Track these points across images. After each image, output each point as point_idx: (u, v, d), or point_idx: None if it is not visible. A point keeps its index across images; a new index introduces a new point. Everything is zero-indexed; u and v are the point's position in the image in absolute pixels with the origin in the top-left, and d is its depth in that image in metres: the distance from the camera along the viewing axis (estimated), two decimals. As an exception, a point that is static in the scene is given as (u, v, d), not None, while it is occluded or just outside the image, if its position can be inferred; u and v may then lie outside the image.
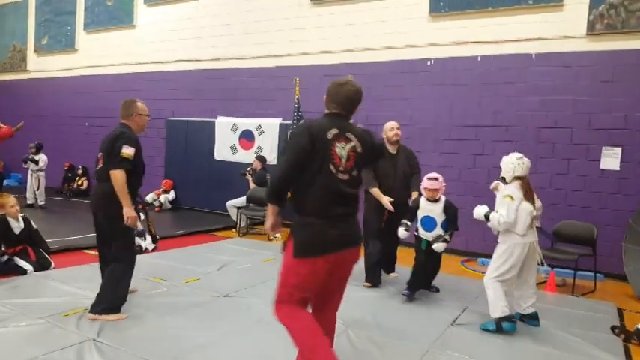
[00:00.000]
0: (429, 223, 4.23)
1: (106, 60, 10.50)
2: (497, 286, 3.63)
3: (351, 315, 3.70)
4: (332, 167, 2.29)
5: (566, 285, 5.17)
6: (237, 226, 7.31)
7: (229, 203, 7.73)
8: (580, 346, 3.44)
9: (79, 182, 10.51)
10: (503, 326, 3.59)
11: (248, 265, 5.20)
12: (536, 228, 3.78)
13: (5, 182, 11.34)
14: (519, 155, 3.75)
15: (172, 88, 9.51)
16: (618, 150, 5.77)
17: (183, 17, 9.42)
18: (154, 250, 5.72)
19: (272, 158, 8.03)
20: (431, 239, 4.20)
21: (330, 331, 2.49)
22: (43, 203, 8.45)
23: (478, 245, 6.24)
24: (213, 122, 8.85)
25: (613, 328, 3.79)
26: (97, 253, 3.75)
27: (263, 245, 6.30)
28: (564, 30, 6.08)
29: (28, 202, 8.40)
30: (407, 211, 4.44)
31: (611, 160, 5.80)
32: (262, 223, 6.56)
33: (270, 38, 8.31)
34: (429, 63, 6.95)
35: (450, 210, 4.19)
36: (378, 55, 7.33)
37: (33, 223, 4.74)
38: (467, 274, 5.48)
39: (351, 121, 2.48)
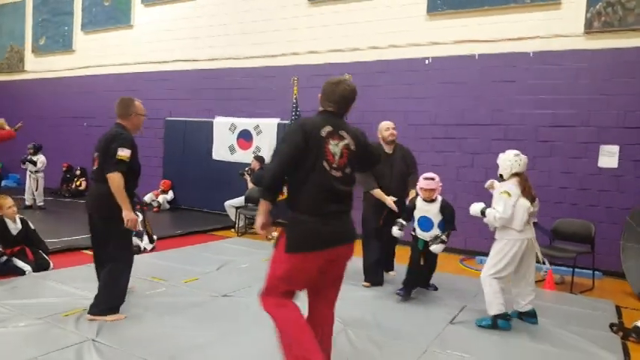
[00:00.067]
0: (425, 223, 4.19)
1: (103, 60, 10.48)
2: (494, 284, 3.64)
3: (350, 314, 3.71)
4: (325, 164, 2.31)
5: (565, 283, 5.18)
6: (236, 225, 7.31)
7: (228, 203, 7.73)
8: (578, 343, 3.45)
9: (78, 183, 10.49)
10: (499, 323, 3.61)
11: (247, 265, 5.20)
12: (533, 224, 3.77)
13: (3, 183, 11.36)
14: (516, 152, 3.76)
15: (170, 88, 9.50)
16: (616, 148, 5.78)
17: (180, 17, 9.41)
18: (152, 250, 5.72)
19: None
20: (428, 239, 4.17)
21: (327, 327, 2.50)
22: (41, 204, 8.45)
23: (476, 244, 6.25)
24: (211, 122, 8.84)
25: (611, 325, 3.80)
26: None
27: (262, 245, 6.30)
28: (562, 28, 6.08)
29: (27, 203, 8.39)
30: (404, 210, 4.41)
31: (609, 158, 5.81)
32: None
33: (268, 38, 8.30)
34: (427, 62, 6.95)
35: (446, 210, 4.14)
36: (376, 54, 7.33)
37: (30, 224, 4.74)
38: (465, 273, 5.48)
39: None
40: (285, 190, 2.41)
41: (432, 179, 4.14)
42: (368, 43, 7.40)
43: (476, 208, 3.82)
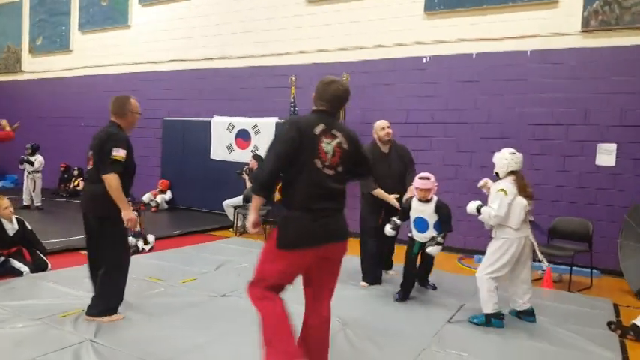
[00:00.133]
0: (421, 224, 4.12)
1: (101, 60, 10.46)
2: (490, 283, 3.64)
3: (349, 313, 3.71)
4: (318, 162, 2.33)
5: (563, 281, 5.19)
6: (234, 225, 7.31)
7: (226, 203, 7.73)
8: (576, 341, 3.46)
9: (75, 183, 10.47)
10: (492, 322, 3.63)
11: (245, 265, 5.19)
12: (530, 222, 3.77)
13: (1, 184, 11.34)
14: (512, 150, 3.75)
15: (168, 87, 9.49)
16: (613, 146, 5.79)
17: (177, 17, 9.39)
18: (150, 250, 5.71)
19: (268, 157, 8.02)
20: (424, 241, 4.11)
21: (322, 324, 2.50)
22: (39, 204, 8.43)
23: (475, 242, 6.26)
24: (209, 122, 8.84)
25: (609, 323, 3.80)
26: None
27: (260, 245, 6.26)
28: (559, 27, 6.09)
29: (24, 204, 8.37)
30: (401, 210, 4.36)
31: (606, 156, 5.82)
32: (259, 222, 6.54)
33: (266, 37, 8.30)
34: (424, 61, 6.95)
35: (441, 210, 4.06)
36: (374, 53, 7.34)
37: (28, 225, 4.73)
38: (464, 272, 5.49)
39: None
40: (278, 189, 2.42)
41: (428, 179, 4.07)
42: (366, 42, 7.39)
43: (472, 206, 3.82)
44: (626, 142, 5.74)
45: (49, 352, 2.86)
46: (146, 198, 9.00)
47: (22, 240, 4.61)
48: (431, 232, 4.09)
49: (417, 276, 4.36)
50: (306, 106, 7.13)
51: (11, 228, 4.56)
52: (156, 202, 8.96)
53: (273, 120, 8.16)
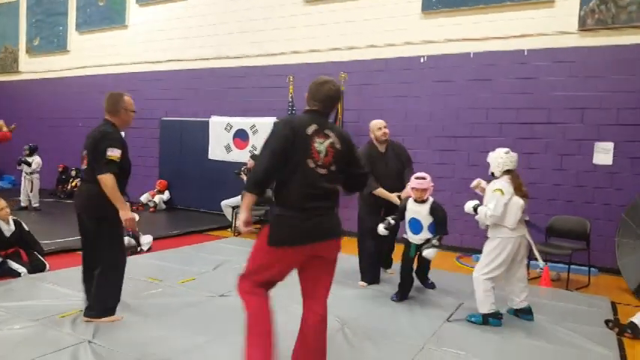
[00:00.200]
0: (415, 225, 4.06)
1: (98, 60, 10.44)
2: (486, 284, 3.65)
3: (348, 313, 3.72)
4: (311, 162, 2.36)
5: (561, 280, 5.20)
6: (233, 225, 7.30)
7: (224, 203, 7.72)
8: (574, 340, 3.47)
9: (73, 184, 10.43)
10: (490, 321, 3.64)
11: (244, 265, 5.19)
12: (525, 222, 3.76)
13: (-2, 184, 11.32)
14: (506, 149, 3.76)
15: (165, 87, 9.48)
16: (610, 145, 5.81)
17: (175, 17, 9.38)
18: (148, 250, 5.70)
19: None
20: (418, 242, 4.06)
21: (318, 324, 2.51)
22: (37, 205, 8.41)
23: (473, 241, 6.27)
24: (207, 122, 8.83)
25: (607, 321, 3.82)
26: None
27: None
28: (556, 26, 6.10)
29: (22, 205, 8.35)
30: (397, 210, 4.31)
31: (603, 155, 5.84)
32: (258, 222, 6.55)
33: (264, 37, 8.29)
34: (422, 60, 6.96)
35: (436, 212, 3.98)
36: (373, 52, 7.34)
37: (25, 226, 4.70)
38: (462, 270, 5.49)
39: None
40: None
41: (424, 179, 4.02)
42: (364, 42, 7.40)
43: (469, 205, 3.81)
44: (623, 140, 5.75)
45: (47, 353, 2.85)
46: (144, 198, 9.00)
47: (19, 241, 4.59)
48: (425, 234, 4.02)
49: (418, 275, 4.33)
50: (303, 106, 7.15)
51: (7, 229, 4.53)
52: (154, 202, 8.96)
53: (272, 120, 8.15)
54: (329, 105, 2.52)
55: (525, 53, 6.28)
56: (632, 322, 3.64)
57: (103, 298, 3.34)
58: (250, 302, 2.42)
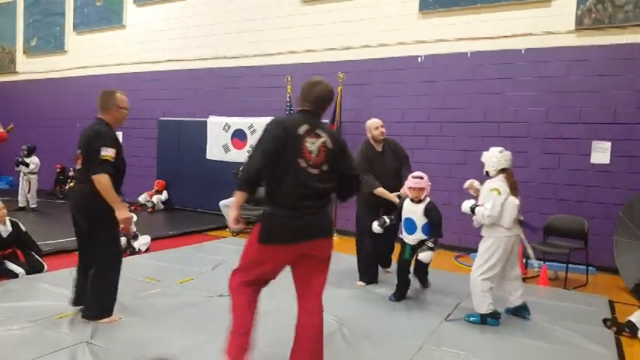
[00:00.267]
0: (409, 225, 4.03)
1: (95, 61, 10.42)
2: (484, 285, 3.65)
3: (346, 313, 3.72)
4: (302, 161, 2.39)
5: (559, 279, 5.22)
6: (231, 225, 7.28)
7: (223, 203, 7.71)
8: (572, 339, 3.47)
9: (71, 184, 10.42)
10: (488, 321, 3.64)
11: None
12: (519, 221, 3.75)
13: (-4, 185, 11.29)
14: (500, 148, 3.76)
15: (163, 88, 9.47)
16: (608, 144, 5.82)
17: (172, 17, 9.37)
18: (146, 250, 5.70)
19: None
20: (412, 243, 4.03)
21: (313, 321, 2.52)
22: (34, 206, 8.39)
23: (471, 241, 6.24)
24: (205, 122, 8.82)
25: (605, 320, 3.83)
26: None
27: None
28: (553, 25, 6.12)
29: (20, 205, 8.34)
30: (395, 209, 4.29)
31: (600, 154, 5.85)
32: (257, 222, 6.54)
33: (261, 37, 8.29)
34: (419, 60, 6.96)
35: (431, 214, 3.94)
36: (370, 52, 7.34)
37: (22, 226, 4.68)
38: (460, 270, 5.50)
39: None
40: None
41: (421, 178, 3.99)
42: (362, 42, 7.40)
43: (466, 205, 3.79)
44: (620, 139, 5.77)
45: (44, 354, 2.84)
46: (142, 198, 8.98)
47: (17, 242, 4.57)
48: (419, 235, 3.99)
49: (415, 277, 4.27)
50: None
51: (5, 230, 4.51)
52: (152, 202, 8.94)
53: (269, 120, 8.15)
54: (321, 105, 2.55)
55: (523, 52, 6.29)
56: (629, 320, 3.64)
57: (98, 298, 3.30)
58: (236, 301, 2.49)
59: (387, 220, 4.23)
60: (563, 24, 6.05)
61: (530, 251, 3.96)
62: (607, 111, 5.84)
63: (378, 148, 4.65)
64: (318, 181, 2.43)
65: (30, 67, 11.67)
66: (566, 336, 3.53)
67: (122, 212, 3.18)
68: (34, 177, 8.42)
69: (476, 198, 3.84)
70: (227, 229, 7.35)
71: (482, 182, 3.85)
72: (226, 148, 8.63)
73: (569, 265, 5.05)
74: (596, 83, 5.89)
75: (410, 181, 4.03)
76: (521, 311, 3.85)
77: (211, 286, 4.36)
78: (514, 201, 3.64)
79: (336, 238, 7.08)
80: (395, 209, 4.30)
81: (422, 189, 3.99)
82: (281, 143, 2.36)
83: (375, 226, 4.24)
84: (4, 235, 4.51)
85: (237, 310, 2.47)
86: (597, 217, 5.76)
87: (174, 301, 3.90)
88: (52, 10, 11.11)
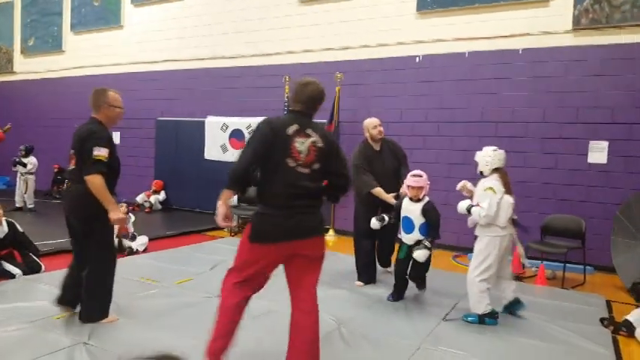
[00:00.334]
0: (407, 224, 3.99)
1: (94, 61, 10.40)
2: (482, 285, 3.65)
3: (344, 313, 3.72)
4: (291, 161, 2.42)
5: (556, 278, 5.23)
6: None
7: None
8: (569, 338, 3.48)
9: (69, 184, 10.40)
10: (486, 321, 3.65)
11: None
12: (512, 220, 3.74)
13: (-7, 185, 11.26)
14: (494, 147, 3.76)
15: (161, 87, 9.46)
16: (605, 144, 5.84)
17: (170, 17, 9.35)
18: (144, 251, 5.69)
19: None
20: (409, 243, 3.99)
21: (306, 320, 2.52)
22: (32, 206, 8.36)
23: (469, 241, 6.23)
24: (203, 121, 8.81)
25: (602, 319, 3.84)
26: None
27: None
28: (550, 25, 6.13)
29: (17, 205, 8.31)
30: (394, 208, 4.26)
31: (598, 153, 5.87)
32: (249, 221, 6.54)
33: (259, 37, 8.28)
34: (417, 60, 6.97)
35: (429, 214, 3.90)
36: (368, 52, 7.34)
37: (19, 227, 4.66)
38: (458, 270, 5.51)
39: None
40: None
41: (420, 176, 3.97)
42: (359, 42, 7.40)
43: (462, 205, 3.78)
44: (617, 139, 5.78)
45: (42, 355, 2.83)
46: (140, 198, 8.96)
47: (13, 242, 4.54)
48: (416, 235, 3.95)
49: (411, 279, 4.20)
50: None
51: (1, 230, 4.48)
52: (150, 202, 8.93)
53: (261, 120, 8.14)
54: (312, 106, 2.57)
55: (520, 52, 6.30)
56: (626, 320, 3.65)
57: (93, 300, 3.27)
58: (225, 302, 2.50)
59: (387, 218, 4.20)
60: (561, 24, 6.06)
61: (521, 250, 3.97)
62: (605, 111, 5.86)
63: (376, 147, 4.64)
64: (308, 181, 2.45)
65: (27, 67, 11.64)
66: (563, 335, 3.53)
67: (115, 213, 3.13)
68: (31, 177, 8.40)
69: (470, 199, 3.83)
70: (225, 229, 7.34)
71: (475, 183, 3.85)
72: (224, 148, 8.62)
73: (567, 265, 5.07)
74: (594, 83, 5.91)
75: (409, 180, 4.00)
76: (515, 306, 3.86)
77: (210, 286, 4.35)
78: (509, 200, 3.65)
79: (334, 238, 7.09)
80: (392, 210, 4.28)
81: (421, 188, 3.96)
82: (268, 143, 2.40)
83: (374, 221, 4.20)
84: (0, 235, 4.48)
85: (223, 313, 2.50)
86: (594, 216, 5.77)
87: (172, 302, 3.90)
88: (49, 9, 11.09)
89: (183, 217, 8.36)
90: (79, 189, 3.14)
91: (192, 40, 9.04)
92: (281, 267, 2.59)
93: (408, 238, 4.04)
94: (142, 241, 5.76)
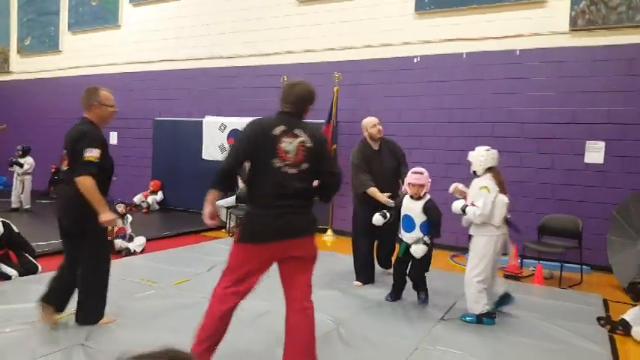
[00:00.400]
0: (408, 222, 3.95)
1: (91, 60, 10.37)
2: (479, 286, 3.66)
3: (342, 312, 3.73)
4: (277, 162, 2.43)
5: (554, 278, 5.24)
6: (227, 226, 7.29)
7: (219, 203, 7.69)
8: (566, 337, 3.50)
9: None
10: (484, 321, 3.66)
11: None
12: (506, 219, 3.74)
13: (-11, 186, 11.21)
14: (487, 147, 3.78)
15: (159, 87, 9.44)
16: (602, 144, 5.86)
17: (168, 17, 9.34)
18: (142, 252, 5.67)
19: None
20: (409, 241, 3.93)
21: (300, 321, 2.52)
22: (28, 207, 8.33)
23: (467, 241, 6.28)
24: (200, 121, 8.80)
25: (599, 319, 3.85)
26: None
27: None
28: (547, 26, 6.15)
29: (13, 206, 8.27)
30: (395, 207, 4.24)
31: (594, 153, 5.89)
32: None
33: (257, 37, 8.28)
34: (415, 60, 6.98)
35: (430, 212, 3.86)
36: (366, 52, 7.35)
37: (14, 228, 4.62)
38: (456, 269, 5.52)
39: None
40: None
41: (421, 174, 3.93)
42: (358, 42, 7.41)
43: (457, 205, 3.76)
44: (613, 139, 5.80)
45: (39, 356, 2.82)
46: (137, 199, 8.94)
47: (9, 243, 4.50)
48: (417, 233, 3.92)
49: (411, 279, 4.17)
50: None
51: (-4, 231, 4.47)
52: (147, 202, 8.91)
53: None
54: (301, 106, 2.57)
55: (517, 53, 6.32)
56: (623, 319, 3.67)
57: (87, 301, 3.24)
58: (212, 308, 2.50)
59: (388, 215, 4.12)
60: (558, 25, 6.08)
61: (508, 246, 3.97)
62: (601, 111, 5.88)
63: (375, 146, 4.63)
64: (296, 181, 2.45)
65: (24, 67, 11.60)
66: (560, 334, 3.55)
67: (105, 215, 3.07)
68: (27, 178, 8.37)
69: (463, 200, 3.84)
70: (223, 230, 7.33)
71: (467, 184, 3.86)
72: (222, 148, 8.61)
73: (564, 264, 5.08)
74: (590, 84, 5.93)
75: (410, 177, 3.95)
76: (507, 299, 3.87)
77: (207, 287, 4.27)
78: (504, 199, 3.66)
79: (332, 238, 7.10)
80: (392, 208, 4.23)
81: (422, 185, 3.92)
82: (253, 144, 2.43)
83: (377, 217, 4.11)
84: (-4, 236, 4.46)
85: (210, 318, 2.50)
86: (591, 216, 5.79)
87: (169, 303, 3.89)
88: (46, 9, 11.05)
89: (180, 218, 8.35)
90: (71, 190, 3.08)
91: (190, 39, 9.03)
92: (275, 267, 2.59)
93: (408, 237, 3.99)
94: (139, 242, 5.75)
